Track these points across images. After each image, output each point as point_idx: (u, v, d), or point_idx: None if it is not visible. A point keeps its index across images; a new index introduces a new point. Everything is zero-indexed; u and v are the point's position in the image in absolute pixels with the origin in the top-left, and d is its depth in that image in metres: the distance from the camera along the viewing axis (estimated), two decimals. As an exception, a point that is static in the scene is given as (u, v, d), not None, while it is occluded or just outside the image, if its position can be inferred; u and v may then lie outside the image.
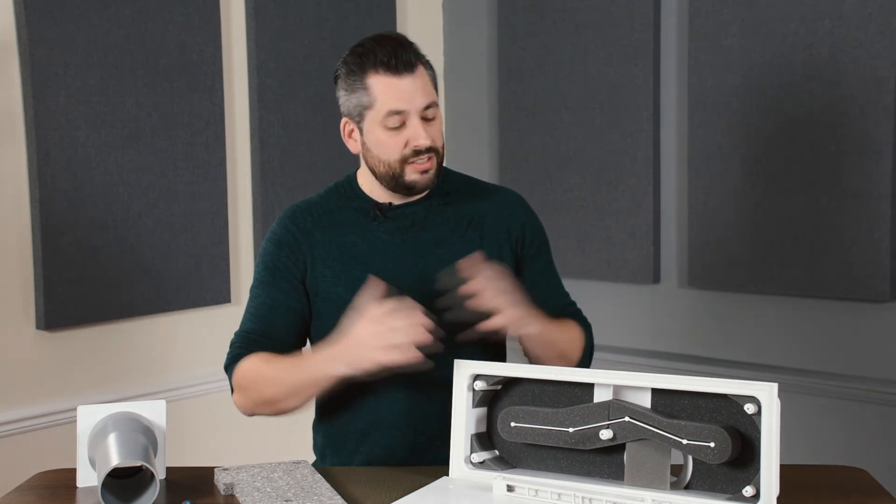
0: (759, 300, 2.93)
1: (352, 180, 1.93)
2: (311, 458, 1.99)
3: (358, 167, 1.93)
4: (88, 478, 1.69)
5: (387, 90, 1.77)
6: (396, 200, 1.88)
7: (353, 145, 1.87)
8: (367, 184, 1.90)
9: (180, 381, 2.93)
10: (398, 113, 1.77)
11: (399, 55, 1.77)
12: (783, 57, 2.79)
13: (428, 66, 1.83)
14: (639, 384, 1.55)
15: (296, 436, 2.55)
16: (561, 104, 3.23)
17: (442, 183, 1.92)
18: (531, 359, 1.87)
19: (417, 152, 1.79)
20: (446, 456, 1.67)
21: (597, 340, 2.03)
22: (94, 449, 1.65)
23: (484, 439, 1.68)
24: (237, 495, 1.61)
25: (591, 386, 1.60)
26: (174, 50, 2.84)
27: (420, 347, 1.63)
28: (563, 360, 1.86)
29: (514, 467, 1.67)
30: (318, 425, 1.97)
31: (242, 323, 1.89)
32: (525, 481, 1.58)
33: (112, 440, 1.61)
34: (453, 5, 3.53)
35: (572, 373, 1.62)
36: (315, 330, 1.88)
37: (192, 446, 2.89)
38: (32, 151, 2.58)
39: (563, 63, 3.21)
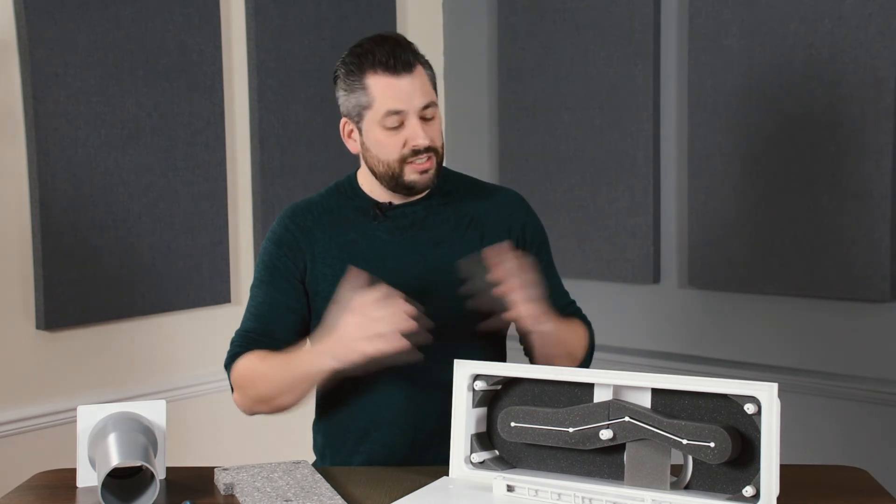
0: (759, 300, 2.93)
1: (352, 180, 1.93)
2: (311, 458, 1.99)
3: (358, 167, 1.93)
4: (88, 478, 1.69)
5: (385, 90, 1.77)
6: (396, 200, 1.89)
7: (353, 145, 1.87)
8: (368, 183, 1.90)
9: (180, 381, 2.93)
10: (396, 113, 1.77)
11: (397, 55, 1.77)
12: (783, 57, 2.79)
13: (427, 66, 1.84)
14: (639, 384, 1.55)
15: (296, 436, 2.55)
16: (561, 104, 3.23)
17: (442, 183, 1.92)
18: (537, 357, 1.86)
19: (416, 152, 1.79)
20: (446, 454, 1.67)
21: (597, 340, 2.03)
22: (94, 449, 1.65)
23: (484, 439, 1.68)
24: (237, 495, 1.61)
25: (591, 386, 1.60)
26: (174, 50, 2.84)
27: (407, 336, 1.63)
28: (569, 359, 1.87)
29: (514, 467, 1.67)
30: (317, 425, 1.97)
31: (242, 322, 1.90)
32: (525, 481, 1.58)
33: (112, 440, 1.62)
34: (453, 5, 3.53)
35: (572, 373, 1.62)
36: (314, 329, 1.88)
37: (192, 446, 2.89)
38: (32, 151, 2.58)
39: (563, 63, 3.21)
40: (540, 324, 1.76)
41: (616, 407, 1.56)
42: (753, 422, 1.48)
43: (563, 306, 1.95)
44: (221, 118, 2.97)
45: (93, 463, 1.66)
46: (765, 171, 2.85)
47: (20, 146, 2.59)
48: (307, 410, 2.04)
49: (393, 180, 1.83)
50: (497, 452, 1.68)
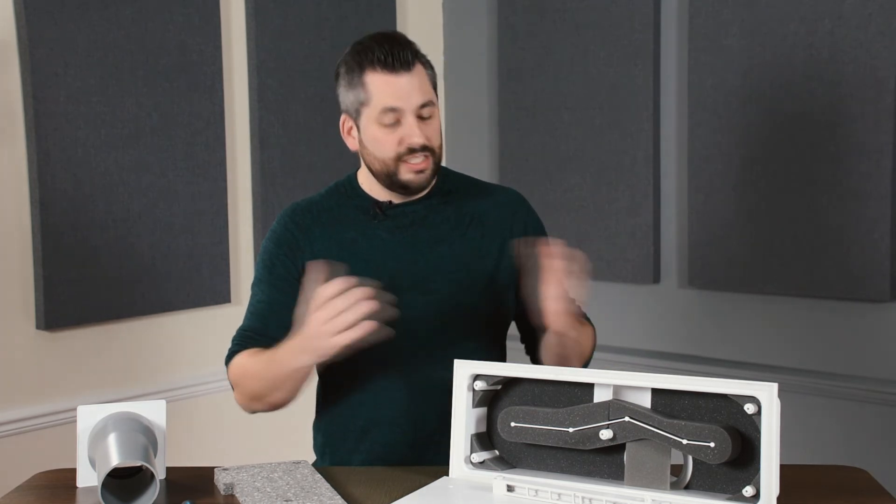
0: (759, 300, 2.93)
1: (352, 179, 1.94)
2: (312, 457, 1.99)
3: (358, 167, 1.93)
4: (88, 478, 1.69)
5: (383, 87, 1.78)
6: (396, 199, 1.89)
7: (352, 142, 1.88)
8: (368, 182, 1.91)
9: (180, 381, 2.93)
10: (393, 110, 1.78)
11: (396, 53, 1.78)
12: (783, 57, 2.79)
13: (427, 65, 1.84)
14: (639, 384, 1.55)
15: (296, 436, 2.55)
16: (561, 104, 3.23)
17: (442, 182, 1.92)
18: (549, 357, 1.86)
19: (412, 150, 1.79)
20: (446, 453, 1.67)
21: (597, 340, 2.03)
22: (94, 449, 1.65)
23: (484, 439, 1.68)
24: (237, 495, 1.61)
25: (591, 386, 1.60)
26: (174, 50, 2.84)
27: (374, 318, 1.61)
28: (580, 361, 1.87)
29: (514, 467, 1.67)
30: (317, 424, 1.97)
31: (243, 320, 1.91)
32: (525, 481, 1.58)
33: (112, 440, 1.62)
34: (453, 5, 3.53)
35: (572, 373, 1.62)
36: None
37: (192, 446, 2.89)
38: (32, 151, 2.58)
39: (563, 63, 3.21)
40: (569, 328, 1.76)
41: (616, 407, 1.56)
42: (753, 422, 1.48)
43: (566, 306, 1.95)
44: (221, 118, 2.97)
45: (93, 463, 1.66)
46: (765, 171, 2.85)
47: (20, 146, 2.59)
48: (307, 410, 2.04)
49: (388, 178, 1.83)
50: (497, 452, 1.68)
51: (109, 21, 2.70)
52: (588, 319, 1.99)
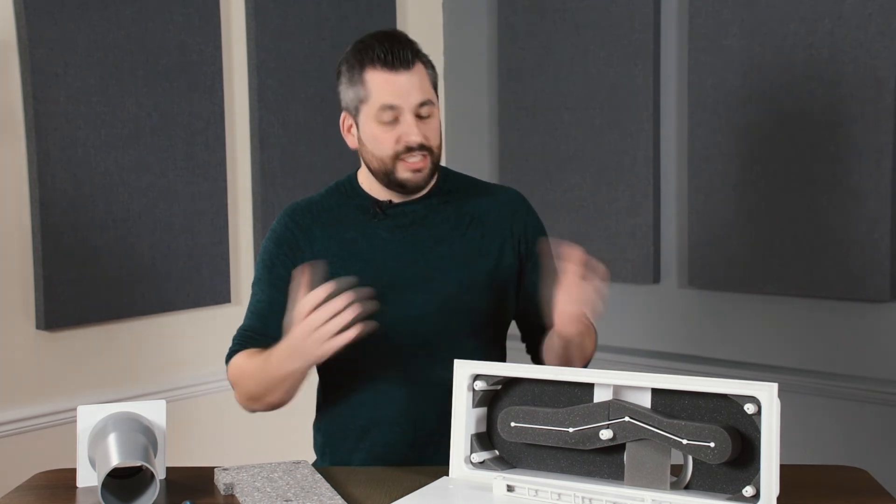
0: (759, 300, 2.93)
1: (352, 179, 1.94)
2: (312, 457, 1.99)
3: (358, 167, 1.93)
4: (88, 478, 1.69)
5: (382, 85, 1.79)
6: (396, 198, 1.89)
7: (351, 140, 1.88)
8: (368, 182, 1.91)
9: (180, 381, 2.93)
10: (391, 108, 1.78)
11: (396, 52, 1.78)
12: (783, 57, 2.79)
13: (429, 65, 1.84)
14: (639, 384, 1.55)
15: (296, 436, 2.55)
16: (561, 104, 3.23)
17: (442, 182, 1.93)
18: (552, 358, 1.86)
19: (410, 149, 1.79)
20: (446, 453, 1.67)
21: (598, 340, 2.03)
22: (94, 449, 1.65)
23: (484, 439, 1.68)
24: (237, 495, 1.61)
25: (591, 386, 1.60)
26: (174, 50, 2.84)
27: (359, 318, 1.62)
28: (581, 363, 1.87)
29: (514, 467, 1.67)
30: (318, 423, 1.98)
31: (243, 320, 1.92)
32: (525, 481, 1.58)
33: (112, 440, 1.62)
34: (453, 5, 3.53)
35: (572, 373, 1.62)
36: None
37: (192, 446, 2.89)
38: (32, 151, 2.58)
39: (563, 63, 3.21)
40: (576, 334, 1.75)
41: (616, 407, 1.56)
42: (753, 422, 1.48)
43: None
44: (221, 118, 2.97)
45: (93, 463, 1.66)
46: (765, 171, 2.85)
47: (20, 146, 2.59)
48: (307, 410, 2.04)
49: (386, 177, 1.83)
50: (497, 452, 1.68)
51: (109, 21, 2.70)
52: (589, 320, 1.99)
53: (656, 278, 3.11)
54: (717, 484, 1.52)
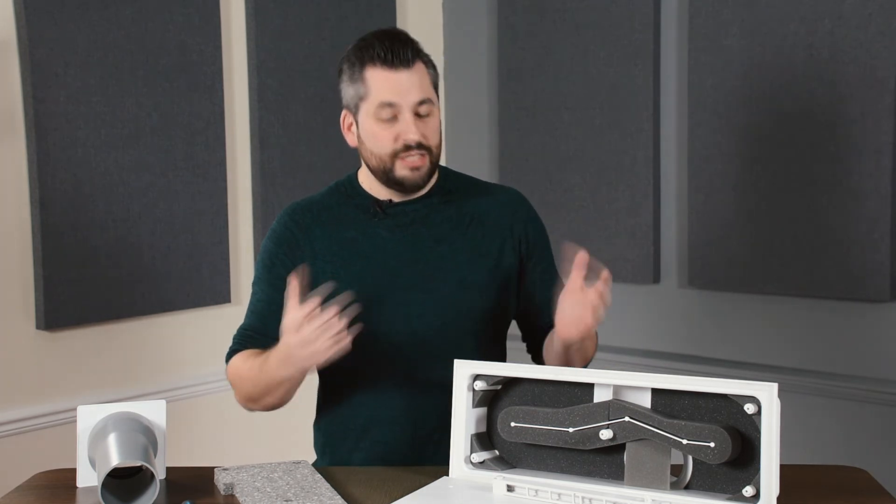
0: (759, 300, 2.93)
1: (352, 179, 1.94)
2: (312, 457, 1.99)
3: (359, 167, 1.94)
4: (88, 478, 1.69)
5: (382, 83, 1.79)
6: (397, 198, 1.89)
7: (351, 138, 1.89)
8: (368, 182, 1.91)
9: (180, 381, 2.93)
10: (390, 105, 1.79)
11: (396, 50, 1.79)
12: (783, 57, 2.79)
13: (429, 64, 1.85)
14: (639, 384, 1.55)
15: (296, 436, 2.55)
16: (561, 104, 3.22)
17: (443, 181, 1.93)
18: (550, 357, 1.86)
19: (408, 147, 1.80)
20: (446, 453, 1.67)
21: (597, 341, 2.03)
22: (94, 449, 1.65)
23: (484, 439, 1.68)
24: (237, 495, 1.61)
25: (591, 386, 1.60)
26: (174, 50, 2.84)
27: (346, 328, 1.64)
28: (582, 364, 1.87)
29: (514, 467, 1.67)
30: (318, 422, 1.98)
31: (244, 319, 1.92)
32: (525, 481, 1.58)
33: (112, 440, 1.62)
34: (453, 5, 3.53)
35: (572, 373, 1.62)
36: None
37: (192, 446, 2.89)
38: (32, 151, 2.58)
39: (563, 63, 3.21)
40: (578, 339, 1.75)
41: (616, 407, 1.56)
42: (753, 422, 1.48)
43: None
44: (221, 118, 2.97)
45: (93, 463, 1.66)
46: (765, 171, 2.85)
47: (20, 146, 2.59)
48: (307, 410, 2.04)
49: (384, 175, 1.84)
50: (497, 452, 1.68)
51: (109, 21, 2.70)
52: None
53: (656, 278, 3.11)
54: (717, 484, 1.52)
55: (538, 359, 1.96)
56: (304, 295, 1.65)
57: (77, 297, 2.67)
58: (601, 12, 3.12)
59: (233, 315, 2.78)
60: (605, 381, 1.57)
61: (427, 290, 1.85)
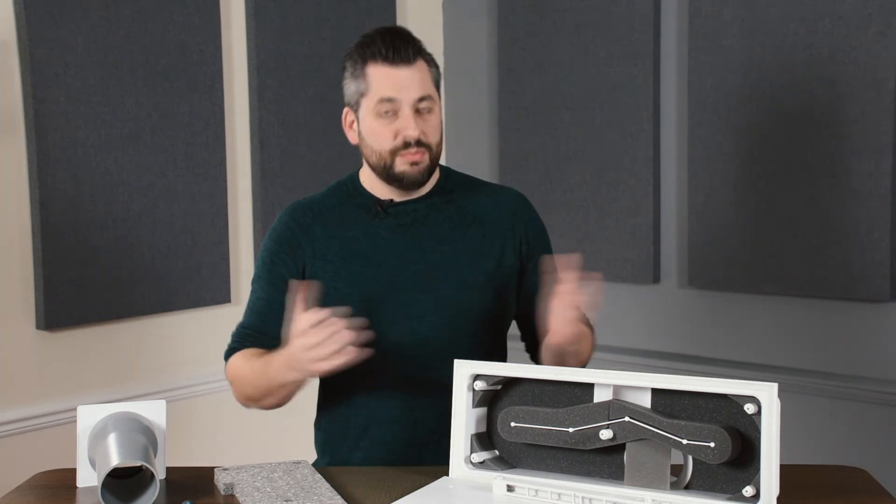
0: (759, 300, 2.93)
1: (354, 178, 1.95)
2: (312, 457, 2.00)
3: (360, 167, 1.94)
4: (88, 478, 1.69)
5: (382, 79, 1.80)
6: (398, 197, 1.89)
7: (352, 136, 1.89)
8: (369, 181, 1.91)
9: (180, 381, 2.93)
10: (390, 101, 1.79)
11: (398, 47, 1.80)
12: (783, 57, 2.79)
13: (431, 63, 1.85)
14: (639, 384, 1.55)
15: (296, 436, 2.55)
16: (561, 104, 3.22)
17: (444, 181, 1.93)
18: (547, 360, 1.86)
19: (407, 144, 1.80)
20: (446, 452, 1.67)
21: (597, 340, 2.03)
22: (94, 449, 1.65)
23: (484, 439, 1.68)
24: (237, 495, 1.61)
25: (591, 386, 1.60)
26: (174, 50, 2.84)
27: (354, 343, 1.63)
28: (577, 366, 1.87)
29: (514, 467, 1.67)
30: (319, 421, 1.98)
31: (242, 317, 1.93)
32: (525, 481, 1.58)
33: (112, 440, 1.62)
34: (453, 5, 3.53)
35: (572, 373, 1.62)
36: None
37: (192, 446, 2.89)
38: (32, 151, 2.58)
39: (563, 63, 3.21)
40: (570, 343, 1.76)
41: (616, 407, 1.56)
42: (753, 422, 1.47)
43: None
44: (221, 118, 2.97)
45: (93, 463, 1.66)
46: (765, 171, 2.85)
47: (20, 146, 2.59)
48: (308, 410, 2.04)
49: (385, 172, 1.84)
50: (497, 452, 1.68)
51: (109, 21, 2.70)
52: (588, 322, 1.99)
53: (656, 278, 3.11)
54: (717, 484, 1.52)
55: (537, 359, 1.96)
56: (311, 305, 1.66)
57: (77, 297, 2.67)
58: (601, 12, 3.12)
59: (233, 315, 2.77)
60: (605, 381, 1.57)
61: (427, 291, 1.85)
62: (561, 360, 1.81)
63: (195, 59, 2.89)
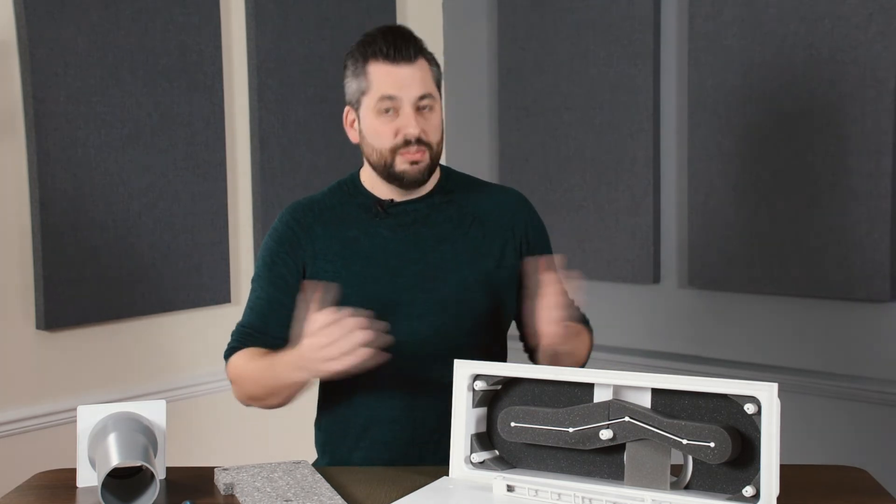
0: (759, 300, 2.93)
1: (355, 178, 1.95)
2: (312, 457, 2.00)
3: (360, 167, 1.94)
4: (88, 478, 1.69)
5: (383, 77, 1.80)
6: (398, 197, 1.89)
7: (353, 134, 1.89)
8: (370, 181, 1.91)
9: (180, 381, 2.93)
10: (391, 98, 1.79)
11: (399, 45, 1.80)
12: (783, 57, 2.79)
13: (432, 62, 1.85)
14: (639, 384, 1.55)
15: (296, 436, 2.55)
16: (561, 104, 3.23)
17: (445, 181, 1.93)
18: (544, 361, 1.86)
19: (407, 142, 1.80)
20: (446, 452, 1.67)
21: (597, 340, 2.03)
22: (94, 449, 1.65)
23: (484, 439, 1.68)
24: (237, 495, 1.61)
25: (591, 386, 1.60)
26: (174, 50, 2.84)
27: (369, 345, 1.62)
28: (577, 364, 1.88)
29: (514, 467, 1.67)
30: (319, 421, 1.98)
31: (242, 316, 1.93)
32: (525, 481, 1.58)
33: (112, 440, 1.61)
34: (453, 5, 3.53)
35: (572, 373, 1.62)
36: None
37: (192, 446, 2.89)
38: (32, 151, 2.58)
39: (563, 63, 3.21)
40: (560, 345, 1.76)
41: (616, 407, 1.56)
42: (753, 422, 1.47)
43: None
44: (221, 118, 2.97)
45: (93, 463, 1.66)
46: (765, 171, 2.85)
47: (20, 146, 2.59)
48: (308, 410, 2.04)
49: (385, 170, 1.84)
50: (497, 452, 1.68)
51: (109, 21, 2.70)
52: (587, 322, 1.99)
53: (656, 278, 3.11)
54: (717, 484, 1.52)
55: (535, 360, 1.96)
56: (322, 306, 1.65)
57: (77, 297, 2.67)
58: (601, 12, 3.12)
59: (232, 315, 2.76)
60: (605, 381, 1.57)
61: (428, 290, 1.85)
62: (556, 361, 1.81)
63: (195, 59, 2.89)
